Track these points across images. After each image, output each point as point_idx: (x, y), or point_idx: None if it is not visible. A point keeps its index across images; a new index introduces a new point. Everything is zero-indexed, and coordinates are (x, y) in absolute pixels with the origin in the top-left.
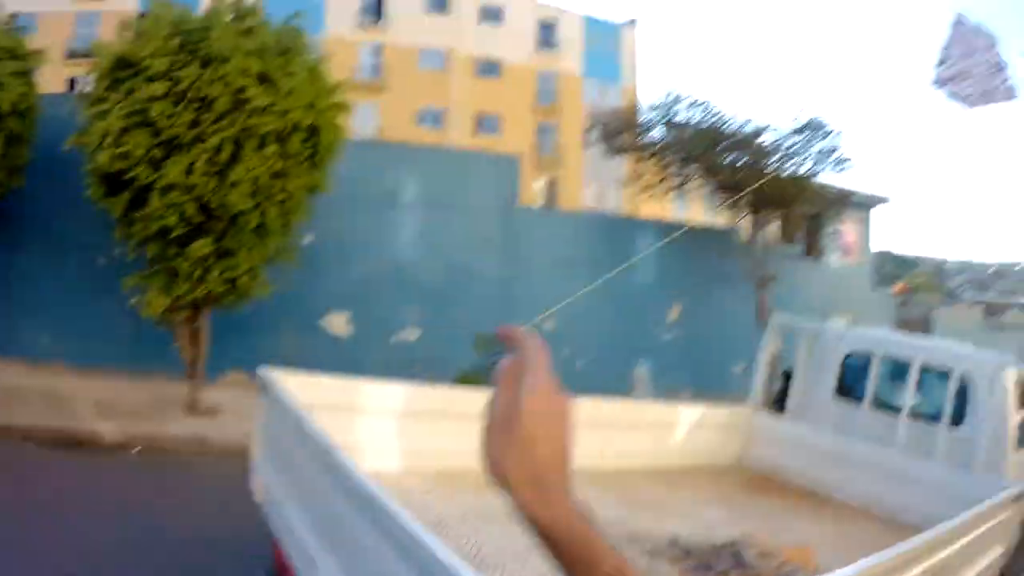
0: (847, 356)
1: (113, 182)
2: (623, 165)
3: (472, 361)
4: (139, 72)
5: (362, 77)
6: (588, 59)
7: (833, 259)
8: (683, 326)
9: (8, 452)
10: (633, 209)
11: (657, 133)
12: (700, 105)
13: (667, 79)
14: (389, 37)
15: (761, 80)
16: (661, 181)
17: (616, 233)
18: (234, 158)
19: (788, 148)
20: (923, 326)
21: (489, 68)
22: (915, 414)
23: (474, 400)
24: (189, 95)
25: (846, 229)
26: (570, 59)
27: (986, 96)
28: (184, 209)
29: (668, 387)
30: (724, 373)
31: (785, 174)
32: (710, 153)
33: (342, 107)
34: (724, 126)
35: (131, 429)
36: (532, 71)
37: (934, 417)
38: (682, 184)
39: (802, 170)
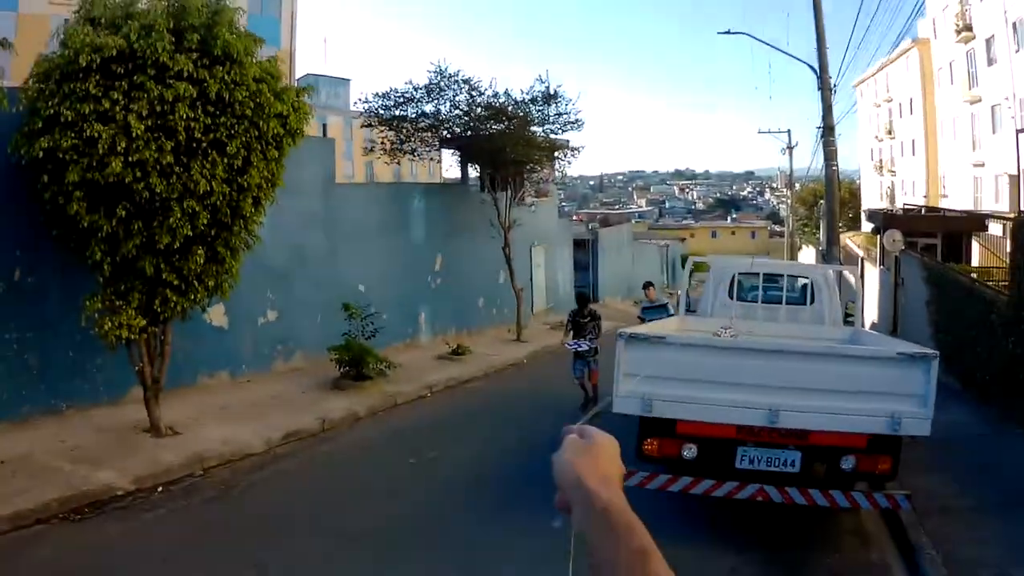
0: (736, 275)
1: (103, 195)
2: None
3: (344, 328)
4: (141, 68)
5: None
6: (251, 23)
7: (533, 200)
8: (445, 274)
9: (48, 545)
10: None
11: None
12: (466, 82)
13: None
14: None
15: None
16: (405, 143)
17: (399, 198)
18: (245, 163)
19: (527, 114)
20: (591, 241)
21: None
22: (788, 302)
23: None
24: (212, 98)
25: (543, 174)
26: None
27: None
28: (200, 219)
29: (440, 328)
30: (474, 308)
31: (525, 136)
32: (472, 124)
33: (307, 111)
34: (483, 98)
35: (129, 473)
36: None
37: (799, 302)
38: (433, 148)
39: (539, 132)
